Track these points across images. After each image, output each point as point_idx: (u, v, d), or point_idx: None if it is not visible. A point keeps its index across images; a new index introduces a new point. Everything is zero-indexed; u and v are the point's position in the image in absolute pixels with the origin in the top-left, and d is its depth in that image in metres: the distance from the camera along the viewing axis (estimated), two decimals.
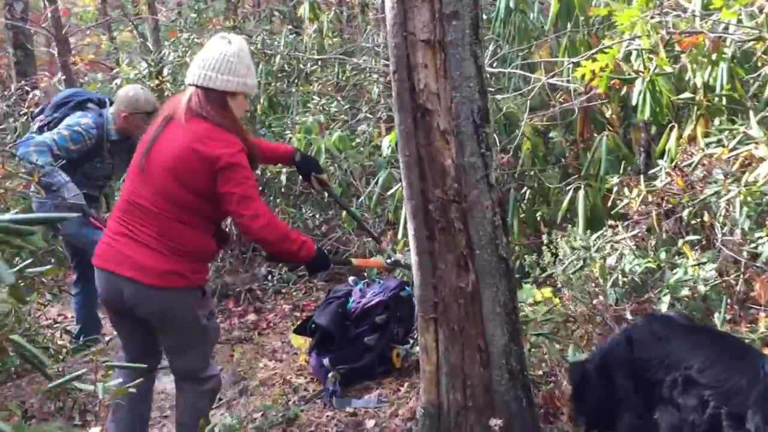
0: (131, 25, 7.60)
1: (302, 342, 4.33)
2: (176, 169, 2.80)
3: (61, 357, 5.05)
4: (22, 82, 9.08)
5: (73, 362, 5.28)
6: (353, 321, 4.01)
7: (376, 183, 4.97)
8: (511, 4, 4.98)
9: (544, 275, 3.92)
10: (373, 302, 3.98)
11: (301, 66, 6.13)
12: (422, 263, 2.77)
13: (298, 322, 4.35)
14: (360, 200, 4.83)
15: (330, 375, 3.87)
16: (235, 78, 2.86)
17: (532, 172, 4.77)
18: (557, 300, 3.69)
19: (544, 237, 4.04)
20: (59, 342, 5.06)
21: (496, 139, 4.44)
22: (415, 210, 2.73)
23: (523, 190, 4.87)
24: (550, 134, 5.04)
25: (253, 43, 6.04)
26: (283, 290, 5.95)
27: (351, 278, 4.31)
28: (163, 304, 2.91)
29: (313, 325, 4.03)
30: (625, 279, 3.57)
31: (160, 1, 7.68)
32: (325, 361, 3.92)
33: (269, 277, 5.99)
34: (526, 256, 4.23)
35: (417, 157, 2.67)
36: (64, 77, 7.20)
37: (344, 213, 5.02)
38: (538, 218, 4.86)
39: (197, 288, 2.99)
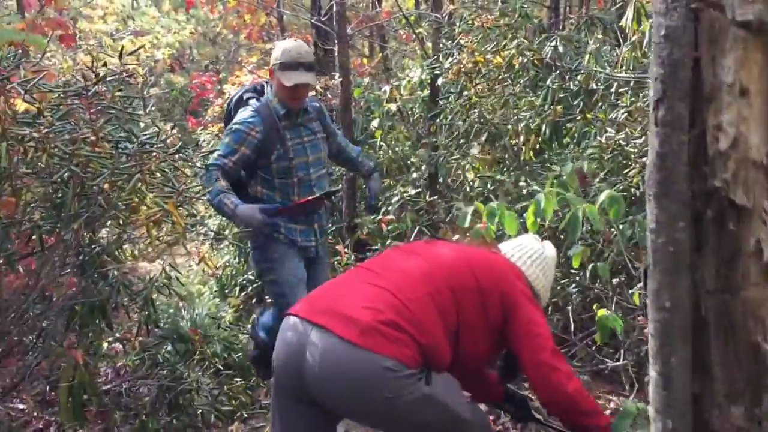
0: (409, 24, 6.61)
1: None
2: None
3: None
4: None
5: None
6: None
7: None
8: None
9: None
10: None
11: (595, 86, 4.52)
12: None
13: None
14: (631, 291, 3.16)
15: None
16: (545, 279, 2.53)
17: None
18: None
19: None
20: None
21: None
22: None
23: None
24: None
25: (531, 50, 4.60)
26: None
27: None
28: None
29: None
30: None
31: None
32: None
33: None
34: None
35: (692, 316, 1.08)
36: (340, 78, 6.58)
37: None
38: None
39: None
